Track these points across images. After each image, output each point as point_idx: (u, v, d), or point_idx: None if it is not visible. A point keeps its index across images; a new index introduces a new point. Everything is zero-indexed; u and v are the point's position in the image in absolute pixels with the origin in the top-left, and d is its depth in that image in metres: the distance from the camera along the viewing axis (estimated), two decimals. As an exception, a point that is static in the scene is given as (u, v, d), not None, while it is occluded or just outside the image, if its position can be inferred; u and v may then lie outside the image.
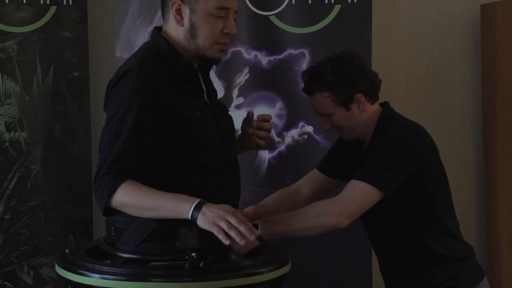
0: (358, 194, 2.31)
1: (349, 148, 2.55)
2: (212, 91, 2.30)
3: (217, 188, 2.17)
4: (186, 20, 2.17)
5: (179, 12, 2.17)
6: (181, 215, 2.02)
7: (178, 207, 2.02)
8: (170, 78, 2.14)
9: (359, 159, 2.47)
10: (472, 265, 2.48)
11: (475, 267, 2.49)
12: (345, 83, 2.40)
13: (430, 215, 2.42)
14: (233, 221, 1.98)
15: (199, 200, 2.01)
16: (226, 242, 1.98)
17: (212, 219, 1.98)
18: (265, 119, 2.41)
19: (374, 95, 2.47)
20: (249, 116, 2.42)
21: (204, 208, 2.00)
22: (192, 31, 2.16)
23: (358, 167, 2.40)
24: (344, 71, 2.40)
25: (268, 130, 2.42)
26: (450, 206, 2.50)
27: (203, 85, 2.24)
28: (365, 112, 2.44)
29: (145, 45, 2.26)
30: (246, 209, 2.13)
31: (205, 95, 2.23)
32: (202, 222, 1.99)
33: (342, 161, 2.58)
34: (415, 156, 2.35)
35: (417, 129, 2.44)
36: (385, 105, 2.51)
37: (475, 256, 2.52)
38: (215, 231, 1.98)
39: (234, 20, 2.20)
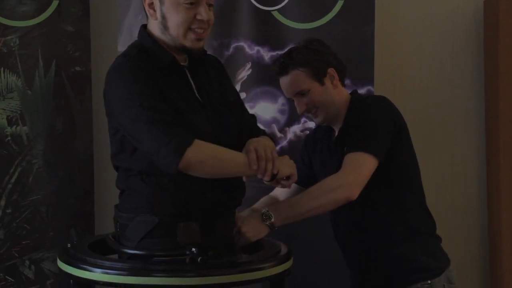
0: (360, 163, 2.36)
1: (316, 146, 2.62)
2: (205, 87, 2.21)
3: (211, 185, 2.10)
4: (158, 13, 2.15)
5: (152, 6, 2.16)
6: None
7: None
8: (155, 73, 2.10)
9: (328, 154, 2.55)
10: (441, 248, 2.57)
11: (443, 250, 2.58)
12: (318, 58, 2.51)
13: (407, 185, 2.50)
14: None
15: None
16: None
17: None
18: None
19: (343, 77, 2.58)
20: None
21: None
22: (165, 23, 2.14)
23: (328, 162, 2.50)
24: (316, 47, 2.54)
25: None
26: (419, 177, 2.58)
27: (191, 80, 2.19)
28: (338, 89, 2.54)
29: (131, 44, 2.24)
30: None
31: (195, 91, 2.18)
32: None
33: (311, 167, 2.65)
34: (393, 118, 2.46)
35: (388, 100, 2.54)
36: (354, 92, 2.63)
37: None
38: None
39: (212, 5, 2.15)
